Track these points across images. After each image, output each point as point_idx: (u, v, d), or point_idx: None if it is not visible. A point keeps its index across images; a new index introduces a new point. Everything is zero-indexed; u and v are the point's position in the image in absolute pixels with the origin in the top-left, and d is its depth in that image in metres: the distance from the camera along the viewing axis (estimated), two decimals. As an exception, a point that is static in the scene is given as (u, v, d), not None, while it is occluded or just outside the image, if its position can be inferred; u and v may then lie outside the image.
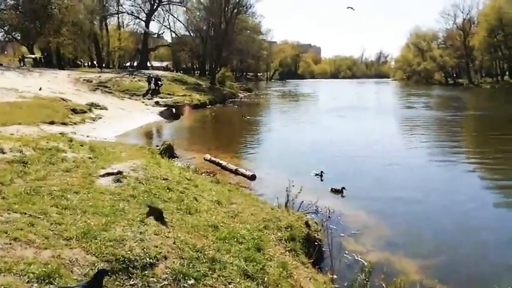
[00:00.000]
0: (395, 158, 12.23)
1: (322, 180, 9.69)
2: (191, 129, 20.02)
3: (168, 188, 6.04)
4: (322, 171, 9.98)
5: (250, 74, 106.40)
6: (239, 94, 44.15)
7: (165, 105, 26.22)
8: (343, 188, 8.67)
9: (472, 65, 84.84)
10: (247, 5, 52.01)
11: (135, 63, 63.61)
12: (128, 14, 52.67)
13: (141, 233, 4.14)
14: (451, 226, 6.93)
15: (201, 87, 36.93)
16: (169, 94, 30.07)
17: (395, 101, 40.70)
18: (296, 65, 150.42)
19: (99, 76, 31.82)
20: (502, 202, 8.39)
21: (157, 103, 26.44)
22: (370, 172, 10.46)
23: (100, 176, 6.07)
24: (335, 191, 8.71)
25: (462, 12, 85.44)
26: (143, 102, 26.42)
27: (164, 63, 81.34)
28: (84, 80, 29.23)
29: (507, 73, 76.55)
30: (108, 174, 6.13)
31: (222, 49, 45.65)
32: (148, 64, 59.01)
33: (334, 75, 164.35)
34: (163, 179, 6.47)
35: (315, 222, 6.31)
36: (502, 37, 69.99)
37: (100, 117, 18.39)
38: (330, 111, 26.52)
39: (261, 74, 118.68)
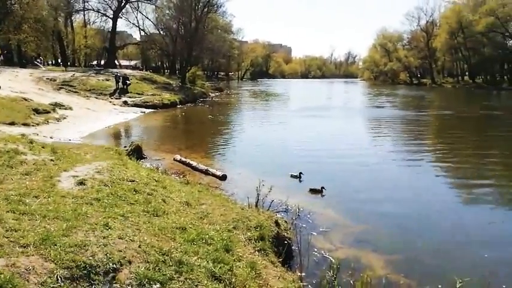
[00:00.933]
0: (364, 158, 12.46)
1: (300, 181, 9.58)
2: (161, 129, 19.68)
3: (134, 190, 5.88)
4: (300, 173, 9.82)
5: (222, 73, 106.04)
6: (210, 93, 43.87)
7: (133, 105, 25.71)
8: (322, 187, 8.62)
9: (435, 65, 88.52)
10: (218, 4, 51.71)
11: (102, 62, 61.97)
12: (95, 11, 51.20)
13: (104, 237, 3.98)
14: (417, 223, 7.14)
15: (171, 87, 36.42)
16: (138, 93, 29.49)
17: (364, 101, 41.71)
18: (267, 65, 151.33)
19: (64, 75, 30.75)
20: (465, 199, 8.68)
21: (125, 103, 25.89)
22: (339, 171, 10.63)
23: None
24: (314, 191, 8.65)
25: (425, 14, 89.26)
26: (111, 101, 25.78)
27: (133, 62, 79.76)
28: (47, 78, 28.18)
29: (467, 73, 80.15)
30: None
31: (193, 48, 45.15)
32: (116, 63, 57.61)
33: (305, 75, 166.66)
34: (130, 181, 6.29)
35: (285, 221, 6.32)
36: (462, 39, 73.31)
37: (64, 118, 17.77)
38: (300, 110, 26.84)
39: (232, 73, 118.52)
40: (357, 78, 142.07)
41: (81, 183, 5.69)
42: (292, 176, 9.89)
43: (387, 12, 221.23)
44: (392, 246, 6.10)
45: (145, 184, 6.46)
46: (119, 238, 4.06)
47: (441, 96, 48.52)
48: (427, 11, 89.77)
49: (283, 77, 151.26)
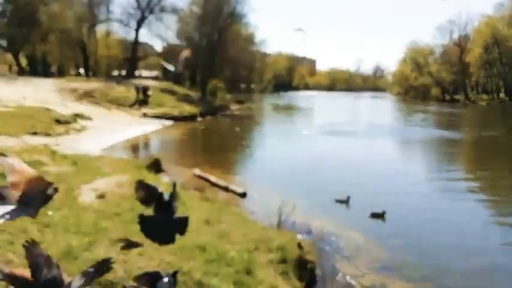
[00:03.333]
0: (394, 180, 12.01)
1: (347, 206, 9.06)
2: (180, 142, 19.72)
3: (154, 206, 5.75)
4: (348, 197, 9.17)
5: (243, 85, 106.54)
6: (231, 106, 43.97)
7: (153, 117, 25.93)
8: (384, 212, 8.15)
9: (469, 81, 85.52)
10: (241, 14, 52.24)
11: (123, 72, 63.22)
12: (118, 22, 52.42)
13: (124, 253, 3.90)
14: (449, 250, 6.72)
15: (192, 98, 36.73)
16: (158, 105, 29.74)
17: (393, 118, 40.57)
18: (290, 77, 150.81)
19: (86, 85, 31.37)
20: (499, 222, 8.16)
21: (145, 114, 26.12)
22: (366, 194, 10.08)
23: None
24: (375, 216, 8.20)
25: (458, 28, 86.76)
26: (131, 113, 26.07)
27: (154, 73, 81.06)
28: (69, 89, 28.78)
29: (502, 90, 77.40)
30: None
31: (214, 59, 45.62)
32: (137, 73, 58.68)
33: (330, 88, 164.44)
34: (150, 196, 6.19)
35: (308, 243, 6.08)
36: (497, 54, 70.98)
37: (85, 129, 18.00)
38: (325, 127, 25.99)
39: (254, 85, 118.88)
40: (385, 92, 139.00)
41: (101, 196, 5.62)
42: (337, 201, 9.27)
43: (417, 25, 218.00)
44: (421, 274, 5.76)
45: (165, 199, 6.34)
46: (139, 255, 3.97)
47: (477, 115, 46.70)
48: (459, 24, 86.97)
49: (308, 89, 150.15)
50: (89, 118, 20.43)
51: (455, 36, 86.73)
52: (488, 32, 70.20)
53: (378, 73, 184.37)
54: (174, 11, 51.47)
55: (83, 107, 23.69)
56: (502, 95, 76.48)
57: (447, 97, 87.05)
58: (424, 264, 6.15)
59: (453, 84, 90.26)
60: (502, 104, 68.15)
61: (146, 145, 18.30)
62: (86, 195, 5.68)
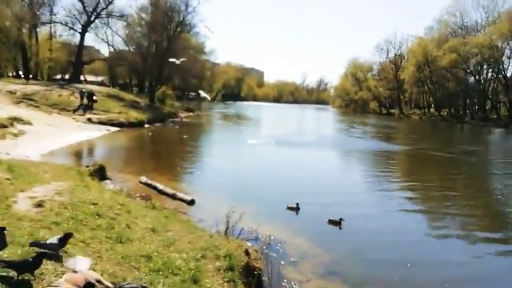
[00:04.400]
0: (336, 188, 12.51)
1: (297, 214, 9.21)
2: (127, 149, 19.07)
3: (97, 214, 5.53)
4: (298, 204, 9.35)
5: (193, 93, 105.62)
6: (180, 114, 43.34)
7: (98, 122, 24.91)
8: (341, 219, 8.33)
9: (403, 96, 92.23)
10: (191, 24, 51.95)
11: (67, 76, 60.08)
12: (62, 24, 49.85)
13: (62, 265, 3.69)
14: (387, 254, 7.10)
15: (139, 105, 35.70)
16: (104, 111, 28.61)
17: (335, 129, 42.37)
18: (239, 88, 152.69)
19: (25, 88, 29.42)
20: (437, 234, 8.62)
21: (90, 120, 25.02)
22: (309, 201, 10.28)
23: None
24: (333, 222, 8.37)
25: (394, 47, 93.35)
26: (74, 118, 24.82)
27: (99, 78, 78.00)
28: (6, 91, 26.86)
29: (432, 106, 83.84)
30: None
31: (164, 67, 44.83)
32: (82, 78, 56.06)
33: (277, 99, 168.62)
34: (92, 204, 5.93)
35: (255, 250, 6.13)
36: (428, 73, 76.92)
37: (23, 133, 16.83)
38: (272, 137, 26.49)
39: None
40: (328, 105, 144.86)
41: (39, 205, 5.30)
42: (289, 208, 9.39)
43: (358, 41, 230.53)
44: (362, 278, 6.03)
45: (109, 208, 6.11)
46: (79, 267, 3.76)
47: (410, 128, 50.11)
48: (395, 44, 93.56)
49: (255, 100, 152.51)
50: (28, 122, 19.13)
51: (392, 54, 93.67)
52: (420, 52, 76.03)
53: (322, 86, 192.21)
54: (122, 16, 49.88)
55: (22, 111, 22.15)
56: (432, 110, 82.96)
57: (384, 111, 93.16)
58: (366, 268, 6.44)
59: (389, 99, 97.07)
60: (432, 118, 74.59)
61: (90, 151, 17.48)
62: (22, 203, 5.32)
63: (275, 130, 34.44)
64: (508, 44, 65.75)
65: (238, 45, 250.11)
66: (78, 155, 16.14)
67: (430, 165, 19.03)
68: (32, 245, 3.74)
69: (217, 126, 36.35)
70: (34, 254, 3.39)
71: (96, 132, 22.07)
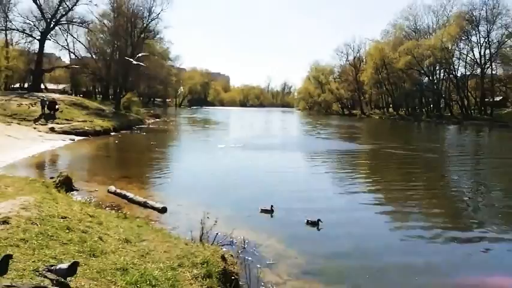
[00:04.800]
0: (306, 189, 12.66)
1: (272, 216, 9.27)
2: (93, 158, 18.52)
3: (67, 228, 5.35)
4: (272, 206, 9.39)
5: (159, 99, 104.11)
6: (146, 120, 42.67)
7: (62, 132, 24.07)
8: (319, 220, 8.43)
9: (363, 97, 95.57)
10: (155, 30, 51.29)
11: (26, 85, 57.62)
12: (19, 31, 47.80)
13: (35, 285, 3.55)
14: (360, 253, 7.29)
15: (104, 113, 34.82)
16: (68, 120, 27.75)
17: (300, 131, 43.14)
18: (206, 92, 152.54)
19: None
20: (406, 234, 8.65)
21: (52, 129, 24.13)
22: (282, 203, 10.33)
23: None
24: (311, 223, 8.47)
25: (353, 51, 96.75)
26: (35, 128, 23.85)
27: (61, 86, 75.40)
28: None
29: (391, 106, 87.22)
30: None
31: (128, 73, 43.95)
32: (43, 86, 53.93)
33: (243, 103, 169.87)
34: (62, 218, 5.73)
35: (231, 255, 6.14)
36: (385, 74, 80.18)
37: (-20, 146, 16.04)
38: (241, 141, 26.70)
39: (170, 100, 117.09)
40: (293, 107, 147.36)
41: (4, 222, 5.06)
42: (262, 210, 9.43)
43: (321, 44, 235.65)
44: (336, 276, 6.19)
45: (79, 221, 5.93)
46: (52, 285, 3.63)
47: (371, 128, 51.88)
48: (354, 47, 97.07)
49: (222, 105, 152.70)
50: (-17, 134, 18.23)
51: (351, 57, 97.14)
52: (378, 55, 79.30)
53: (286, 89, 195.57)
54: (83, 23, 48.41)
55: (-23, 122, 21.08)
56: (391, 109, 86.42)
57: (346, 112, 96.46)
58: (341, 268, 6.61)
59: (351, 100, 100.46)
60: (391, 117, 78.28)
61: (54, 162, 16.83)
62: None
63: (243, 134, 34.62)
64: (457, 45, 69.70)
65: (203, 51, 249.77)
66: (41, 166, 15.51)
67: (392, 164, 19.71)
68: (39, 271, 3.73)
69: (185, 132, 35.99)
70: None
71: (60, 142, 21.30)
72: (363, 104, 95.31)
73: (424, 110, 78.07)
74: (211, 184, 13.16)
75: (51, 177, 11.78)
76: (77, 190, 11.00)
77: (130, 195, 10.40)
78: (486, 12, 63.57)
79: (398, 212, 10.59)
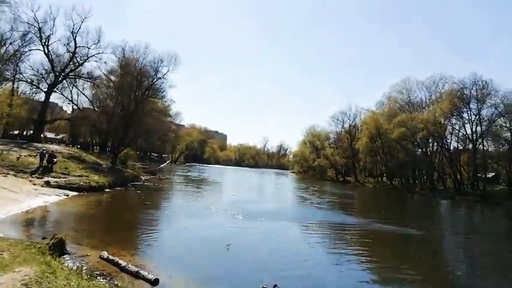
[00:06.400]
0: (302, 263, 12.66)
1: None
2: (86, 217, 18.34)
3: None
4: (275, 285, 9.34)
5: (155, 154, 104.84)
6: (142, 177, 42.70)
7: (57, 186, 24.04)
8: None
9: (358, 165, 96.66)
10: (160, 89, 52.87)
11: (25, 133, 58.13)
12: (27, 82, 49.34)
13: None
14: None
15: (101, 167, 34.99)
16: (64, 173, 27.82)
17: (295, 197, 43.09)
18: (202, 150, 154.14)
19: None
20: None
21: (48, 183, 24.09)
22: (275, 279, 10.40)
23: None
24: None
25: (348, 119, 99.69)
26: (31, 181, 23.80)
27: (59, 136, 76.28)
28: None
29: (385, 174, 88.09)
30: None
31: (129, 129, 44.72)
32: (42, 135, 54.56)
33: (238, 163, 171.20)
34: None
35: None
36: (380, 144, 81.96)
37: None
38: (234, 204, 26.71)
39: (166, 155, 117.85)
40: (288, 170, 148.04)
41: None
42: None
43: (317, 109, 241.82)
44: None
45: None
46: None
47: (365, 198, 51.92)
48: (350, 115, 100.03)
49: (218, 163, 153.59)
50: (-21, 186, 18.22)
51: (347, 125, 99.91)
52: (372, 125, 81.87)
53: (282, 151, 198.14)
54: (91, 78, 50.35)
55: (-28, 172, 21.12)
56: (384, 178, 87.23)
57: (340, 178, 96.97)
58: None
59: (345, 167, 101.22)
60: (385, 187, 78.92)
61: (47, 219, 16.62)
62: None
63: (237, 197, 34.58)
64: (449, 121, 72.19)
65: (203, 108, 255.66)
66: (33, 223, 15.33)
67: (385, 241, 19.61)
68: None
69: (179, 192, 35.81)
70: None
71: (54, 197, 21.23)
72: (357, 171, 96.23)
73: (417, 181, 78.79)
74: (203, 252, 13.08)
75: (44, 238, 11.76)
76: (69, 254, 10.91)
77: (123, 263, 10.33)
78: (476, 92, 66.54)
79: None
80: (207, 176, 64.51)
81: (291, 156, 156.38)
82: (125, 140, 45.47)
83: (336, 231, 21.16)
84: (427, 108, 78.55)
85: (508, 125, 64.33)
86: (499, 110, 64.86)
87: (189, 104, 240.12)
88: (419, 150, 77.27)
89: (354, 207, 38.18)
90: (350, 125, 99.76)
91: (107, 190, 27.59)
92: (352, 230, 22.01)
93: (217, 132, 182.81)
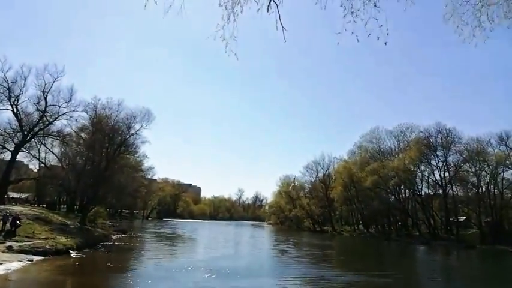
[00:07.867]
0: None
1: None
2: (51, 285, 17.05)
3: None
4: None
5: (126, 211, 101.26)
6: (112, 236, 40.84)
7: (20, 251, 22.51)
8: None
9: (334, 214, 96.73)
10: (132, 145, 52.14)
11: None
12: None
13: None
14: None
15: (68, 228, 33.26)
16: (28, 237, 26.26)
17: (271, 252, 41.99)
18: (175, 204, 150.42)
19: None
20: None
21: (10, 248, 22.56)
22: None
23: None
24: None
25: (322, 168, 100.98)
26: (-9, 247, 22.24)
27: (24, 195, 72.85)
28: None
29: (361, 222, 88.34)
30: None
31: (99, 187, 43.37)
32: (5, 196, 51.91)
33: (213, 216, 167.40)
34: None
35: None
36: (354, 192, 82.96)
37: None
38: (208, 263, 25.61)
39: (138, 211, 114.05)
40: (264, 221, 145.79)
41: None
42: None
43: (292, 159, 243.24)
44: None
45: None
46: None
47: (343, 248, 51.36)
48: (323, 165, 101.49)
49: (192, 217, 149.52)
50: None
51: (321, 174, 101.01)
52: (346, 174, 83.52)
53: (258, 203, 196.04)
54: (60, 136, 49.31)
55: None
56: (361, 226, 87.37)
57: (317, 228, 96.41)
58: None
59: (322, 216, 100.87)
60: (361, 235, 79.24)
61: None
62: None
63: (211, 254, 33.46)
64: (419, 168, 74.57)
65: (176, 161, 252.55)
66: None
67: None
68: None
69: (151, 251, 34.24)
70: None
71: (16, 264, 19.71)
72: (334, 221, 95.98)
73: (393, 228, 79.24)
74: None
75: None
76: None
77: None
78: (441, 139, 69.87)
79: None
80: (182, 233, 62.45)
81: (267, 207, 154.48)
82: (94, 198, 43.91)
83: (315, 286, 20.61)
84: (396, 156, 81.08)
85: (473, 169, 67.04)
86: (464, 156, 67.88)
87: (162, 157, 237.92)
88: (393, 197, 78.60)
89: (332, 259, 37.54)
90: (324, 174, 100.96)
91: (74, 253, 25.98)
92: (335, 283, 21.47)
93: (190, 185, 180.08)
